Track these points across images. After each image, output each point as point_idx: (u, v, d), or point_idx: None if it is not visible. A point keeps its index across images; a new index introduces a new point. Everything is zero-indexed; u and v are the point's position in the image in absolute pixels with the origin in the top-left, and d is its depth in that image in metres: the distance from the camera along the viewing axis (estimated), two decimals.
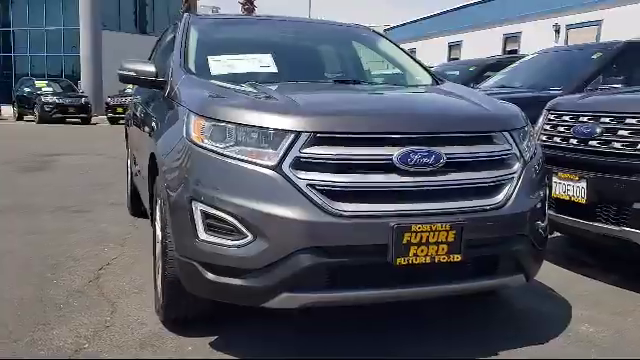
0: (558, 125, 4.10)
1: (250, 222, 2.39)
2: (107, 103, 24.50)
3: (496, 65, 9.15)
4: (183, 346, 2.76)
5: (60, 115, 22.67)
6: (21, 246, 4.44)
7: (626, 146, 3.56)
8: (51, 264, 3.97)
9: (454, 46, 23.39)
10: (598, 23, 15.59)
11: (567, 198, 3.82)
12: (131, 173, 5.39)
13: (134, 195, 5.35)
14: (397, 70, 4.12)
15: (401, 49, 4.22)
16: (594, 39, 15.04)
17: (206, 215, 2.48)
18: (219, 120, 2.56)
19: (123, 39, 32.37)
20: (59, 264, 3.97)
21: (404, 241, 2.40)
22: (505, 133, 2.74)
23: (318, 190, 2.38)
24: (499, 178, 2.64)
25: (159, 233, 3.13)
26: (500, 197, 2.62)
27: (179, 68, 3.35)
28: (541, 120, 4.31)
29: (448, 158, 2.52)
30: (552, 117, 4.20)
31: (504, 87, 6.72)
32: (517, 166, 2.71)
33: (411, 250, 2.41)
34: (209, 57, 3.52)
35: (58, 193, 6.73)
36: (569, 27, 16.76)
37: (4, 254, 4.22)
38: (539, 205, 2.80)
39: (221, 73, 3.36)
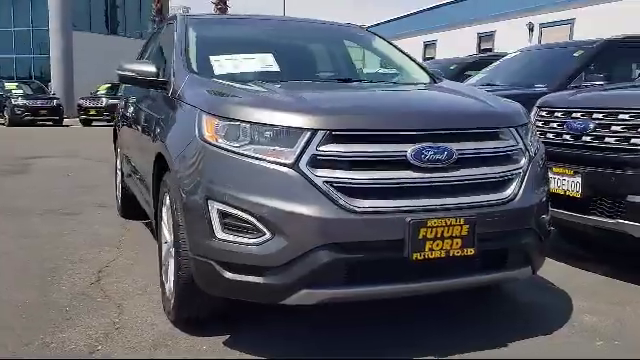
0: (550, 121, 4.19)
1: (269, 220, 2.41)
2: (79, 105, 24.20)
3: (477, 64, 9.29)
4: (197, 345, 2.76)
5: (31, 117, 22.31)
6: (16, 249, 4.38)
7: (619, 141, 3.66)
8: (49, 267, 3.93)
9: (429, 45, 23.61)
10: (571, 22, 15.92)
11: (562, 192, 3.91)
12: (122, 175, 5.34)
13: (125, 197, 5.31)
14: (394, 68, 4.16)
15: (397, 48, 4.27)
16: (567, 37, 15.34)
17: (223, 214, 2.50)
18: (234, 119, 2.57)
19: (94, 40, 31.93)
20: (57, 267, 3.93)
21: (420, 236, 2.44)
22: (511, 129, 2.80)
23: (335, 187, 2.41)
24: (507, 173, 2.71)
25: (166, 234, 3.14)
26: (509, 192, 2.68)
27: (182, 68, 3.34)
28: (532, 117, 4.40)
29: (459, 154, 2.57)
30: (544, 113, 4.30)
31: (489, 85, 6.81)
32: (523, 161, 2.78)
33: (427, 245, 2.46)
34: (211, 57, 3.51)
35: (44, 196, 6.64)
36: (542, 26, 17.07)
37: (0, 256, 4.16)
38: (544, 199, 2.88)
39: (224, 72, 3.36)
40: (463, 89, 3.35)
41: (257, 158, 2.48)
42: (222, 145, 2.55)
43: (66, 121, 23.92)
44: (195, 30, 3.79)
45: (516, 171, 2.73)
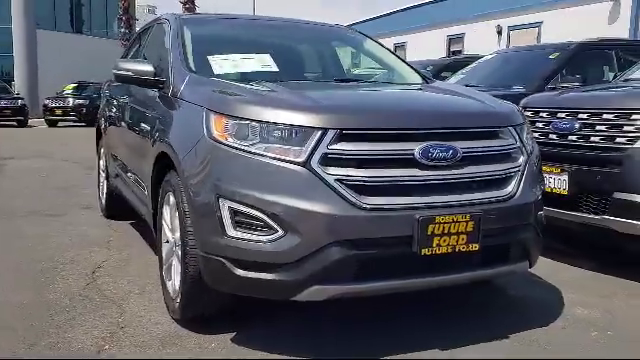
0: (536, 121, 4.32)
1: (281, 217, 2.44)
2: (45, 105, 23.67)
3: (453, 65, 9.45)
4: (205, 343, 2.78)
5: None
6: (4, 250, 4.31)
7: (604, 140, 3.81)
8: (41, 268, 3.88)
9: (399, 47, 23.85)
10: (538, 25, 16.30)
11: (549, 190, 4.03)
12: (107, 175, 5.29)
13: (110, 198, 5.26)
14: (385, 69, 4.23)
15: (387, 49, 4.35)
16: (535, 40, 15.72)
17: (234, 212, 2.52)
18: (244, 118, 2.59)
19: (59, 39, 31.27)
20: (49, 268, 3.88)
21: (428, 232, 2.51)
22: (510, 128, 2.90)
23: (346, 185, 2.46)
24: (508, 171, 2.80)
25: (168, 233, 3.14)
26: (509, 189, 2.77)
27: (181, 68, 3.35)
28: None
29: (464, 152, 2.65)
30: (529, 114, 4.41)
31: (468, 86, 6.94)
32: (522, 159, 2.87)
33: (434, 240, 2.53)
34: (209, 57, 3.53)
35: (23, 197, 6.52)
36: (511, 28, 17.44)
37: None
38: (540, 196, 2.98)
39: (224, 72, 3.38)
40: (459, 89, 3.44)
41: (268, 157, 2.51)
42: (232, 144, 2.58)
43: (30, 121, 23.36)
44: (189, 30, 3.79)
45: (515, 169, 2.83)
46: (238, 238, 2.52)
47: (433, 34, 20.65)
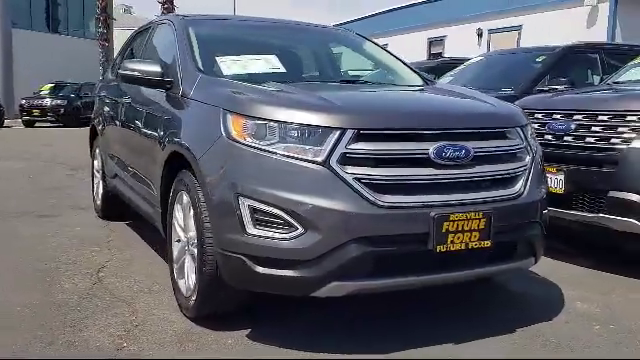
0: (531, 122, 4.42)
1: (301, 215, 2.50)
2: (22, 105, 23.40)
3: (439, 68, 9.56)
4: (222, 339, 2.82)
5: None
6: (4, 251, 4.29)
7: (599, 140, 3.93)
8: (44, 268, 3.87)
9: None
10: (518, 28, 16.57)
11: None
12: (103, 176, 5.28)
13: (107, 198, 5.25)
14: (384, 70, 4.31)
15: (387, 51, 4.42)
16: (515, 43, 15.96)
17: (254, 210, 2.57)
18: (262, 118, 2.64)
19: (35, 38, 30.75)
20: (52, 268, 3.88)
21: (443, 230, 2.59)
22: (517, 129, 3.00)
23: (364, 184, 2.53)
24: (515, 170, 2.89)
25: (180, 232, 3.17)
26: (517, 187, 2.87)
27: (191, 69, 3.38)
28: None
29: (475, 152, 2.73)
30: None
31: None
32: (528, 159, 2.97)
33: (449, 238, 2.61)
34: (217, 58, 3.57)
35: (12, 198, 6.45)
36: (491, 31, 17.69)
37: None
38: (545, 194, 3.08)
39: (233, 73, 3.42)
40: (465, 91, 3.53)
41: (287, 156, 2.56)
42: (251, 144, 2.63)
43: (6, 122, 22.99)
44: (195, 31, 3.81)
45: (522, 168, 2.92)
46: (258, 236, 2.56)
47: (414, 36, 20.83)
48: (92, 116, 5.80)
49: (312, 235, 2.50)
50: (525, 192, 2.88)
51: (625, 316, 3.25)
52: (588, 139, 4.00)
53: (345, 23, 25.96)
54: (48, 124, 23.07)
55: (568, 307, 3.35)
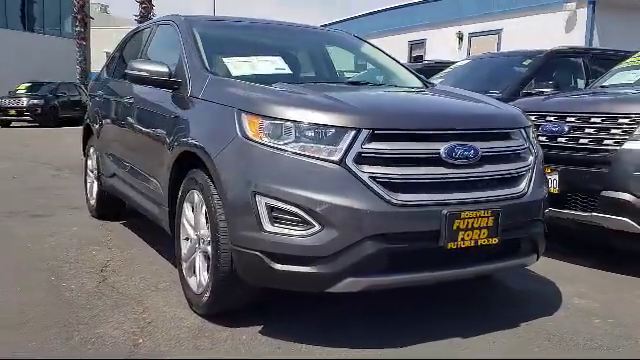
0: None
1: (318, 213, 2.56)
2: None
3: (425, 71, 9.67)
4: (237, 335, 2.86)
5: None
6: (4, 251, 4.27)
7: (592, 142, 4.07)
8: (47, 268, 3.87)
9: None
10: (498, 32, 16.84)
11: None
12: (98, 175, 5.27)
13: (102, 198, 5.25)
14: (381, 71, 4.40)
15: (386, 53, 4.51)
16: (495, 47, 16.23)
17: (271, 208, 2.63)
18: (278, 118, 2.71)
19: (9, 36, 30.27)
20: (55, 267, 3.88)
21: (454, 227, 2.68)
22: (521, 130, 3.11)
23: (379, 182, 2.61)
24: (520, 170, 3.00)
25: (190, 231, 3.21)
26: (522, 186, 2.97)
27: (200, 69, 3.43)
28: None
29: (483, 152, 2.83)
30: None
31: None
32: (531, 159, 3.08)
33: (459, 235, 2.70)
34: (224, 59, 3.62)
35: (1, 198, 6.40)
36: (472, 35, 17.94)
37: None
38: (546, 194, 3.19)
39: (242, 74, 3.48)
40: (468, 93, 3.61)
41: (304, 155, 2.63)
42: (267, 143, 2.69)
43: None
44: (200, 32, 3.85)
45: (526, 168, 3.03)
46: (275, 233, 2.62)
47: (395, 39, 21.00)
48: (86, 116, 5.78)
49: (329, 232, 2.56)
50: (529, 191, 2.98)
51: (623, 311, 3.38)
52: (581, 140, 4.13)
53: (327, 25, 26.06)
54: (25, 124, 22.72)
55: (567, 303, 3.47)
